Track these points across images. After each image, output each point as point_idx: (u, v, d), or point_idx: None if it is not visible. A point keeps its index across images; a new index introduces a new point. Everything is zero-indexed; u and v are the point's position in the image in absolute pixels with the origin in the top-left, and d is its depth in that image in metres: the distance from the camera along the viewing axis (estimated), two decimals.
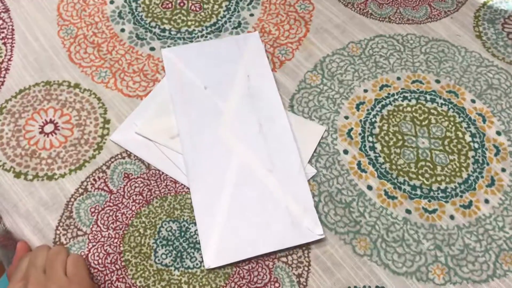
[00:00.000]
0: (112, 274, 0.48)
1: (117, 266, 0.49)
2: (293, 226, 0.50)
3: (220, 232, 0.50)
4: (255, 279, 0.49)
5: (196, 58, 0.61)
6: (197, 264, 0.49)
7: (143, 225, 0.51)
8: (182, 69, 0.60)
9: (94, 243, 0.50)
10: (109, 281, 0.48)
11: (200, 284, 0.48)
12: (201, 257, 0.49)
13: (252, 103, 0.58)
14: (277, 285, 0.48)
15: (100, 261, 0.49)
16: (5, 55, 0.61)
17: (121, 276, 0.48)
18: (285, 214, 0.51)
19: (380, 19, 0.67)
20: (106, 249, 0.50)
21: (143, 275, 0.48)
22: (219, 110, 0.57)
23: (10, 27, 0.64)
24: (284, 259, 0.50)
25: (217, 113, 0.57)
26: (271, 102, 0.58)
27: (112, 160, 0.55)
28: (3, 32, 0.63)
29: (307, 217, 0.51)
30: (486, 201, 0.54)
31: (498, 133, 0.58)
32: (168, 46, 0.63)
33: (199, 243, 0.50)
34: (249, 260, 0.50)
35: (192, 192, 0.52)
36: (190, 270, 0.49)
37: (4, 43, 0.62)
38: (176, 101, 0.58)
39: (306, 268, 0.50)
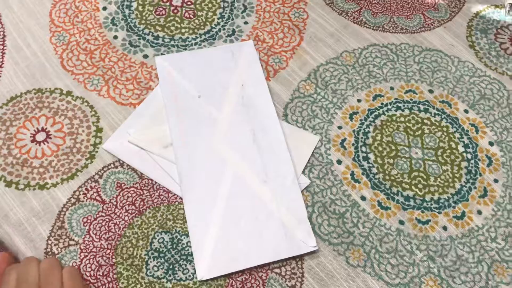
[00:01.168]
0: (104, 287, 0.48)
1: (109, 278, 0.48)
2: (286, 237, 0.50)
3: (213, 243, 0.50)
4: None
5: (189, 66, 0.61)
6: (189, 276, 0.49)
7: (136, 236, 0.51)
8: (176, 77, 0.60)
9: (86, 254, 0.49)
10: None
11: None
12: (194, 269, 0.49)
13: (246, 112, 0.58)
14: None
15: (92, 273, 0.49)
16: None
17: None
18: (278, 226, 0.51)
19: (374, 28, 0.67)
20: (99, 260, 0.49)
21: (134, 287, 0.48)
22: (213, 119, 0.57)
23: (2, 33, 0.63)
24: (277, 270, 0.50)
25: (211, 122, 0.57)
26: (265, 111, 0.58)
27: (105, 169, 0.54)
28: None
29: (300, 229, 0.51)
30: (479, 212, 0.54)
31: (491, 143, 0.59)
32: (162, 54, 0.62)
33: (191, 255, 0.50)
34: (242, 271, 0.49)
35: (185, 202, 0.52)
36: (182, 282, 0.49)
37: None
38: (169, 109, 0.57)
39: (299, 280, 0.50)
